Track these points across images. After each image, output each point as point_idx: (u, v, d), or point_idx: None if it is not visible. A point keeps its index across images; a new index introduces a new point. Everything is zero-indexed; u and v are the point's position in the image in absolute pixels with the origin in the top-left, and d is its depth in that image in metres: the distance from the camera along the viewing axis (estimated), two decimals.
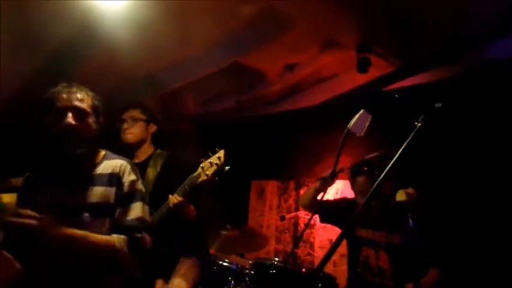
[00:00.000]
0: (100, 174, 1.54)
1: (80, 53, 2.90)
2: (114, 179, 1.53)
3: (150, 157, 2.43)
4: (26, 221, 1.27)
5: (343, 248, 2.67)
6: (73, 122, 1.47)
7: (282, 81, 3.41)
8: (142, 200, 1.57)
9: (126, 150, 2.39)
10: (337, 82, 3.37)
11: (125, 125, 2.39)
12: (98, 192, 1.50)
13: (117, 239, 1.44)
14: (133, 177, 1.58)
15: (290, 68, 3.25)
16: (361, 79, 3.06)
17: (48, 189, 1.51)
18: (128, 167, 1.59)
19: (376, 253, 2.32)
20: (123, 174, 1.56)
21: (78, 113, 1.50)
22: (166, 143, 2.73)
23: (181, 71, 3.23)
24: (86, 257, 1.41)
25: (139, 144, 2.43)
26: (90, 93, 1.58)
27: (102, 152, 1.62)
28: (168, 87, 3.45)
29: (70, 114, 1.48)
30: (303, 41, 2.85)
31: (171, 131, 3.81)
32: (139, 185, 1.59)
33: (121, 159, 1.62)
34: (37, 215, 1.30)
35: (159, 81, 3.34)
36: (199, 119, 4.14)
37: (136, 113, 2.42)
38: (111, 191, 1.51)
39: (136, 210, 1.52)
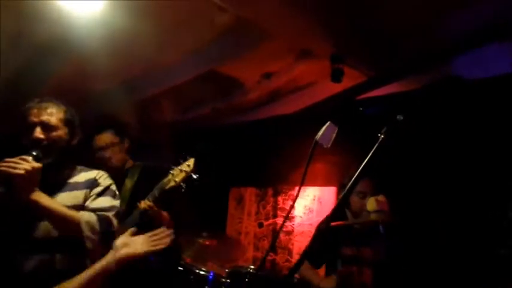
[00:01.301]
0: (76, 182, 1.65)
1: (53, 60, 2.86)
2: (91, 182, 1.66)
3: (127, 169, 2.56)
4: (10, 168, 1.38)
5: None
6: (40, 136, 1.56)
7: (259, 89, 3.44)
8: (113, 196, 1.67)
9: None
10: (313, 90, 3.43)
11: (107, 154, 2.50)
12: (70, 196, 1.59)
13: (87, 215, 1.52)
14: (109, 181, 1.71)
15: (267, 76, 3.30)
16: (335, 88, 3.12)
17: None
18: (105, 175, 1.74)
19: (359, 269, 2.35)
20: (100, 177, 1.70)
21: (46, 127, 1.59)
22: (143, 150, 2.73)
23: (157, 78, 3.23)
24: (51, 220, 1.47)
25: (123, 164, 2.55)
26: (62, 107, 1.66)
27: (79, 167, 1.73)
28: (144, 95, 3.43)
29: (38, 129, 1.57)
30: (279, 50, 2.89)
31: (148, 139, 3.79)
32: (113, 187, 1.71)
33: (98, 170, 1.77)
34: (23, 158, 1.42)
35: (135, 88, 3.32)
36: (177, 126, 4.13)
37: (110, 138, 2.53)
38: (86, 192, 1.62)
39: (106, 200, 1.63)
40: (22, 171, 1.38)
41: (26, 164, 1.40)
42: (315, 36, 2.51)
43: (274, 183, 4.18)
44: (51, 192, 1.58)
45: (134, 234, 1.37)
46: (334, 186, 3.74)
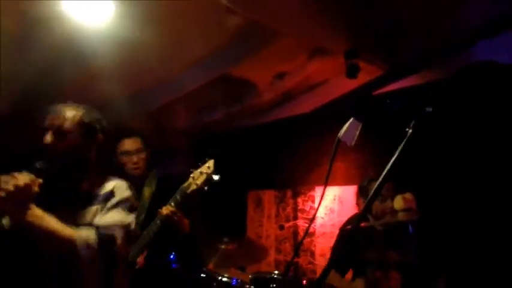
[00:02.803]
0: (97, 195, 1.54)
1: (66, 71, 2.88)
2: (107, 195, 1.54)
3: (146, 177, 2.49)
4: None
5: None
6: (49, 141, 1.48)
7: (272, 90, 3.40)
8: (128, 209, 1.54)
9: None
10: (327, 88, 3.37)
11: (134, 159, 2.41)
12: (90, 212, 1.49)
13: (85, 232, 1.39)
14: (126, 193, 1.57)
15: (280, 76, 3.25)
16: (351, 84, 3.05)
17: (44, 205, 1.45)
18: (125, 185, 1.60)
19: (386, 274, 2.26)
20: (117, 189, 1.56)
21: (58, 131, 1.50)
22: (158, 158, 2.71)
23: (169, 86, 3.22)
24: (45, 241, 1.36)
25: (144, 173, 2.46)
26: (80, 110, 1.57)
27: (106, 177, 1.62)
28: (157, 103, 3.43)
29: (49, 134, 1.49)
30: (291, 49, 2.85)
31: (163, 146, 3.78)
32: (130, 199, 1.57)
33: (120, 179, 1.63)
34: (12, 176, 1.31)
35: (147, 96, 3.32)
36: (191, 133, 4.11)
37: (138, 144, 2.46)
38: (102, 206, 1.51)
39: (116, 215, 1.49)
40: (2, 193, 1.27)
41: (9, 184, 1.29)
42: (329, 32, 2.46)
43: (292, 185, 4.12)
44: (73, 204, 1.51)
45: None
46: (355, 185, 3.65)
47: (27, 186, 1.32)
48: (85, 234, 1.39)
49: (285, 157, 3.97)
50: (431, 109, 0.95)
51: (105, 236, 1.41)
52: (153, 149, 2.60)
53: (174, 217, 2.10)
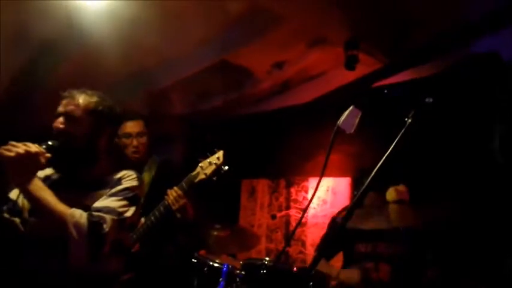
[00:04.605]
0: (107, 182, 1.56)
1: (64, 51, 2.84)
2: (115, 181, 1.55)
3: (145, 162, 2.48)
4: (5, 150, 1.34)
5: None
6: (59, 126, 1.50)
7: (270, 79, 3.38)
8: (128, 200, 1.51)
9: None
10: (325, 79, 3.36)
11: (134, 142, 2.37)
12: (97, 196, 1.50)
13: (78, 213, 1.39)
14: (132, 183, 1.56)
15: (278, 65, 3.23)
16: (349, 76, 3.05)
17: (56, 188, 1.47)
18: (134, 175, 1.60)
19: (375, 265, 2.29)
20: (125, 177, 1.57)
21: (70, 118, 1.52)
22: (154, 144, 2.69)
23: (167, 69, 3.19)
24: (40, 213, 1.42)
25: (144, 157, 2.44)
26: (95, 98, 1.58)
27: (119, 166, 1.64)
28: (154, 87, 3.40)
29: (60, 119, 1.52)
30: (291, 38, 2.82)
31: (159, 132, 3.76)
32: (135, 189, 1.55)
33: (131, 170, 1.63)
34: (25, 144, 1.37)
35: (144, 80, 3.28)
36: (187, 119, 4.09)
37: (140, 127, 2.42)
38: (107, 192, 1.52)
39: (114, 201, 1.48)
40: (12, 154, 1.32)
41: (20, 148, 1.34)
42: (329, 20, 2.44)
43: (286, 175, 4.14)
44: (82, 188, 1.52)
45: None
46: (348, 176, 3.68)
47: (36, 155, 1.37)
48: (78, 214, 1.40)
49: (280, 147, 3.97)
50: (431, 100, 0.95)
51: (94, 218, 1.41)
52: (150, 134, 2.58)
53: (181, 201, 2.08)
